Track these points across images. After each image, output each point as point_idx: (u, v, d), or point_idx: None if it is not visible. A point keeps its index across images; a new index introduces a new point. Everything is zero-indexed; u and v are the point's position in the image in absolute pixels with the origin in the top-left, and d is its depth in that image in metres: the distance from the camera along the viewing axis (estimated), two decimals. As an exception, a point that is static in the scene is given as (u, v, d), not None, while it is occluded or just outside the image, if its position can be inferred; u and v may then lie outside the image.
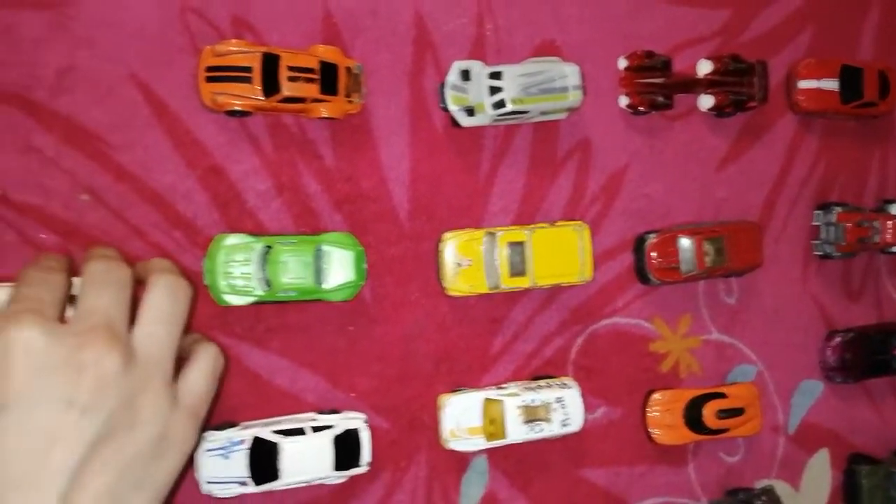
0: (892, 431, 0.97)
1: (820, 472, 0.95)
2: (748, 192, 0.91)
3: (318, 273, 0.71)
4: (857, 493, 0.94)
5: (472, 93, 0.78)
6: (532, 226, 0.79)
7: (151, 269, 0.55)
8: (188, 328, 0.55)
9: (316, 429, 0.70)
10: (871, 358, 0.94)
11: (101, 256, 0.54)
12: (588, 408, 0.81)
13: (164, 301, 0.52)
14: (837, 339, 0.94)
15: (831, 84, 0.92)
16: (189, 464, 0.66)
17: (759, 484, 0.90)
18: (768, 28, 0.92)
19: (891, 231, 0.93)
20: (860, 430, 0.96)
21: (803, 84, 0.92)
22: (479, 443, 0.77)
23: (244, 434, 0.69)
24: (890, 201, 0.96)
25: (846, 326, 0.95)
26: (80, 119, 0.67)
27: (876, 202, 0.97)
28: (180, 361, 0.54)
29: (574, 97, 0.79)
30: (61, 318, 0.48)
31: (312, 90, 0.71)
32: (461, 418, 0.77)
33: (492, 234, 0.77)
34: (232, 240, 0.69)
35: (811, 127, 0.94)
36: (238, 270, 0.69)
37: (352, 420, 0.72)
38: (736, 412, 0.86)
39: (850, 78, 0.93)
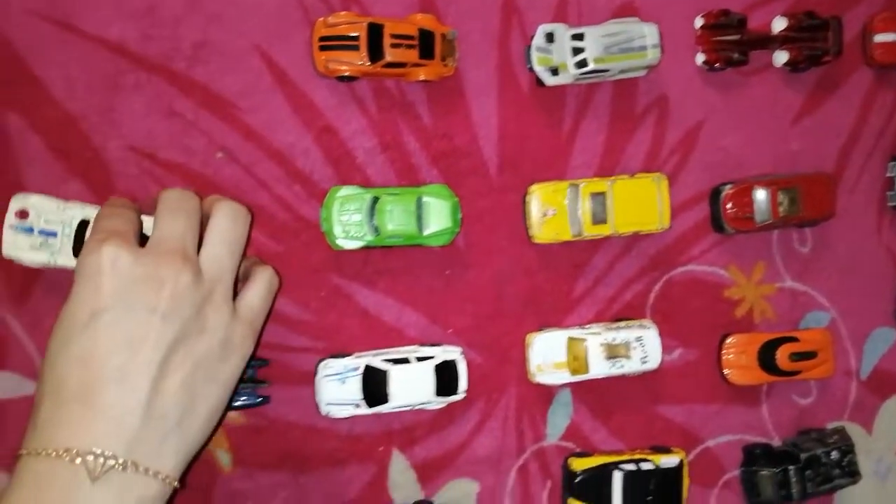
0: (968, 378, 1.07)
1: (894, 416, 1.05)
2: (823, 144, 1.02)
3: (419, 221, 0.85)
4: (930, 435, 1.04)
5: (556, 54, 0.90)
6: (613, 177, 0.91)
7: (214, 200, 0.71)
8: (246, 250, 0.71)
9: (419, 359, 0.85)
10: (947, 306, 1.04)
11: (173, 189, 0.70)
12: (665, 349, 0.93)
13: (227, 225, 0.69)
14: (912, 288, 1.04)
15: (908, 37, 1.02)
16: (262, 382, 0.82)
17: (832, 425, 1.02)
18: (845, -17, 1.02)
19: (967, 181, 1.02)
20: (935, 376, 1.06)
21: (879, 38, 1.02)
22: (563, 377, 0.90)
23: (358, 362, 0.84)
24: (967, 152, 1.05)
25: (921, 275, 1.05)
26: (214, 87, 0.83)
27: (953, 153, 1.06)
28: (241, 282, 0.72)
29: (652, 55, 0.91)
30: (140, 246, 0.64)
31: (412, 55, 0.85)
32: (547, 354, 0.90)
33: (575, 186, 0.90)
34: (344, 191, 0.84)
35: (887, 80, 1.04)
36: (350, 218, 0.84)
37: (450, 352, 0.87)
38: (808, 355, 0.97)
39: (928, 31, 1.02)
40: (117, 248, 0.61)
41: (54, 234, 0.77)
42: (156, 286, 0.60)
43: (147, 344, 0.59)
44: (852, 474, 0.97)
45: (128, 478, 0.57)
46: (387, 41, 0.84)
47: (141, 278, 0.60)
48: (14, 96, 0.80)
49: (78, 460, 0.55)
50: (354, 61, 0.84)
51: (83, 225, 0.77)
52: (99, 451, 0.56)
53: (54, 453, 0.55)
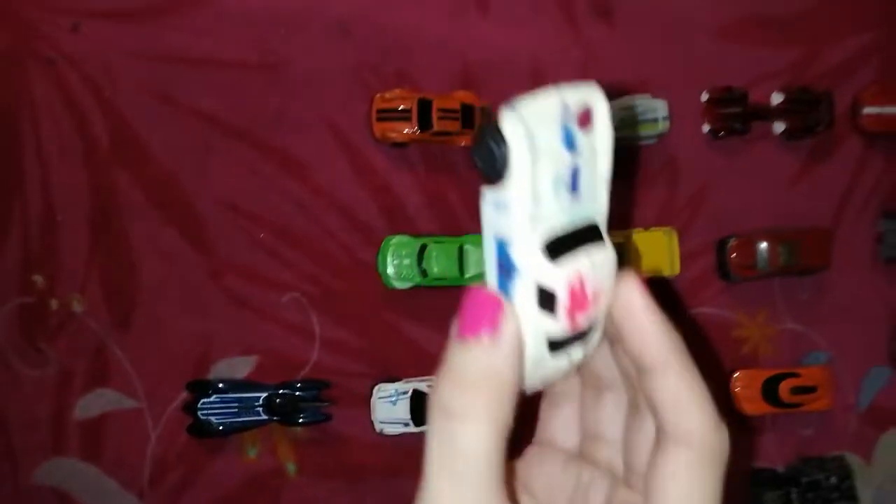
0: (959, 415, 1.17)
1: (891, 448, 1.15)
2: (819, 203, 1.14)
3: (461, 265, 0.99)
4: (925, 467, 1.14)
5: (580, 124, 1.05)
6: (629, 230, 1.05)
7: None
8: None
9: (460, 385, 0.97)
10: (938, 349, 1.15)
11: None
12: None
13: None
14: (905, 332, 1.15)
15: (893, 110, 1.15)
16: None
17: (832, 455, 1.12)
18: (836, 62, 1.16)
19: (950, 236, 1.14)
20: (928, 413, 1.16)
21: (868, 110, 1.15)
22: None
23: (406, 387, 0.97)
24: (950, 210, 1.17)
25: (913, 321, 1.16)
26: (290, 150, 0.99)
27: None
28: None
29: (662, 126, 1.05)
30: None
31: (456, 126, 1.00)
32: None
33: (596, 237, 1.03)
34: (397, 240, 0.98)
35: (876, 146, 1.16)
36: (402, 262, 0.98)
37: (486, 380, 0.99)
38: (809, 389, 1.08)
39: (911, 103, 1.15)
40: None
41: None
42: None
43: None
44: (850, 498, 1.07)
45: None
46: (435, 114, 0.99)
47: None
48: (124, 156, 0.97)
49: None
50: (407, 130, 0.99)
51: None
52: None
53: None
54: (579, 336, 0.29)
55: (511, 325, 0.27)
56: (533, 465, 0.30)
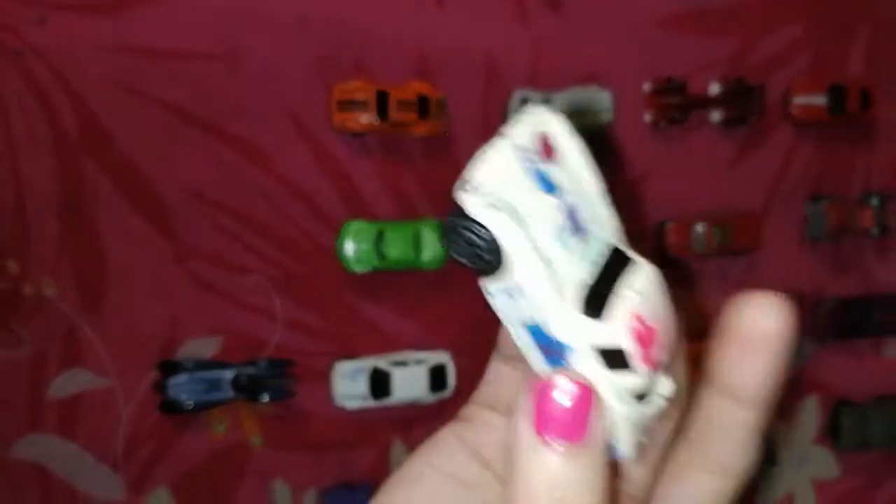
0: (872, 383, 1.27)
1: (810, 412, 1.25)
2: (752, 188, 1.22)
3: (417, 249, 1.05)
4: (839, 429, 1.24)
5: (529, 114, 1.10)
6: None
7: None
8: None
9: (416, 362, 1.04)
10: (856, 322, 1.24)
11: None
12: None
13: None
14: (827, 306, 1.24)
15: (820, 100, 1.22)
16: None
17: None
18: (770, 53, 1.23)
19: (869, 219, 1.23)
20: (845, 380, 1.26)
21: (797, 100, 1.23)
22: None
23: (366, 364, 1.03)
24: (870, 194, 1.26)
25: (834, 296, 1.25)
26: (253, 140, 1.03)
27: (859, 195, 1.26)
28: None
29: (606, 116, 1.11)
30: None
31: (412, 116, 1.05)
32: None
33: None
34: (356, 225, 1.04)
35: (805, 134, 1.24)
36: (360, 247, 1.03)
37: (441, 357, 1.06)
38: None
39: (837, 95, 1.22)
40: None
41: None
42: None
43: None
44: (770, 461, 1.17)
45: None
46: (392, 105, 1.04)
47: None
48: (91, 146, 1.00)
49: None
50: (365, 120, 1.04)
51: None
52: None
53: None
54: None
55: (601, 419, 0.23)
56: (487, 431, 0.27)
